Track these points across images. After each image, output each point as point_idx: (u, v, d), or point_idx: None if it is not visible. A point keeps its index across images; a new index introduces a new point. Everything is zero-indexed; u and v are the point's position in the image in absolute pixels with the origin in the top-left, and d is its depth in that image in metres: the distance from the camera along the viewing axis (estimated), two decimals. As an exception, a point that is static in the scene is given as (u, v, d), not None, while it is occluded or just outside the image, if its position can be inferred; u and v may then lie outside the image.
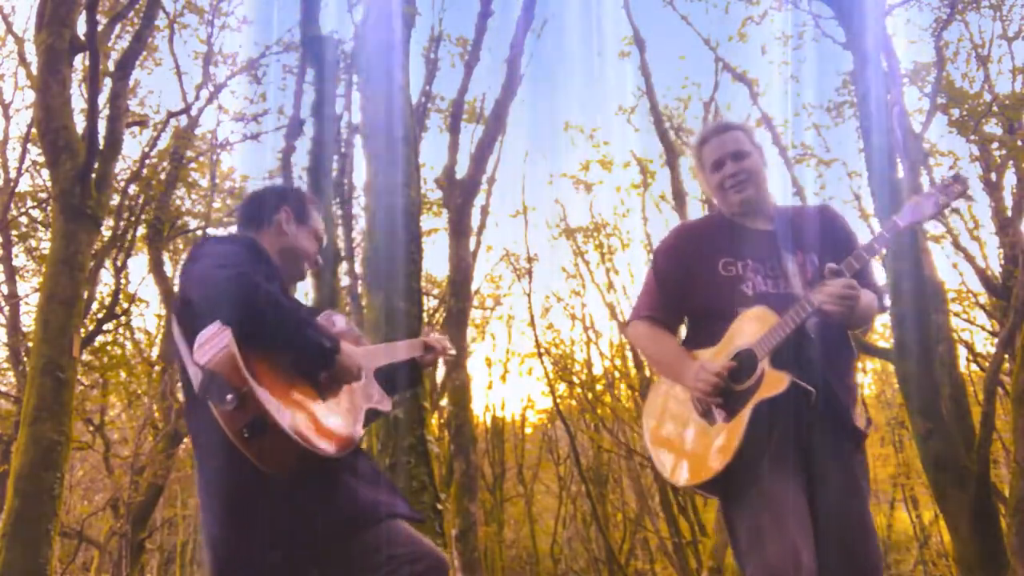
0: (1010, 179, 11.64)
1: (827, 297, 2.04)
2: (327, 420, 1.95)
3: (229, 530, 1.97)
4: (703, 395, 2.17)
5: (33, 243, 12.99)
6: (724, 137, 2.42)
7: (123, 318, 12.76)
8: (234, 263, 1.92)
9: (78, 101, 9.08)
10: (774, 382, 2.06)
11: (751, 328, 2.17)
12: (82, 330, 8.49)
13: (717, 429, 2.15)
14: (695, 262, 2.38)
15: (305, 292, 9.29)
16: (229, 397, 1.75)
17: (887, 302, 2.35)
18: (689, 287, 2.38)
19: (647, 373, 16.36)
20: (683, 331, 2.52)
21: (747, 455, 2.05)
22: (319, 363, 1.98)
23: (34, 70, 9.32)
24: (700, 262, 2.36)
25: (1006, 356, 8.44)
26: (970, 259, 12.02)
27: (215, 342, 1.81)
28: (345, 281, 10.07)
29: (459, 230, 11.12)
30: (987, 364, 8.98)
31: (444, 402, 13.13)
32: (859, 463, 2.20)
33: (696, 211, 13.72)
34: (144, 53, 10.88)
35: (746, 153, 2.39)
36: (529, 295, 16.18)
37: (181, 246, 13.97)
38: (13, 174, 12.31)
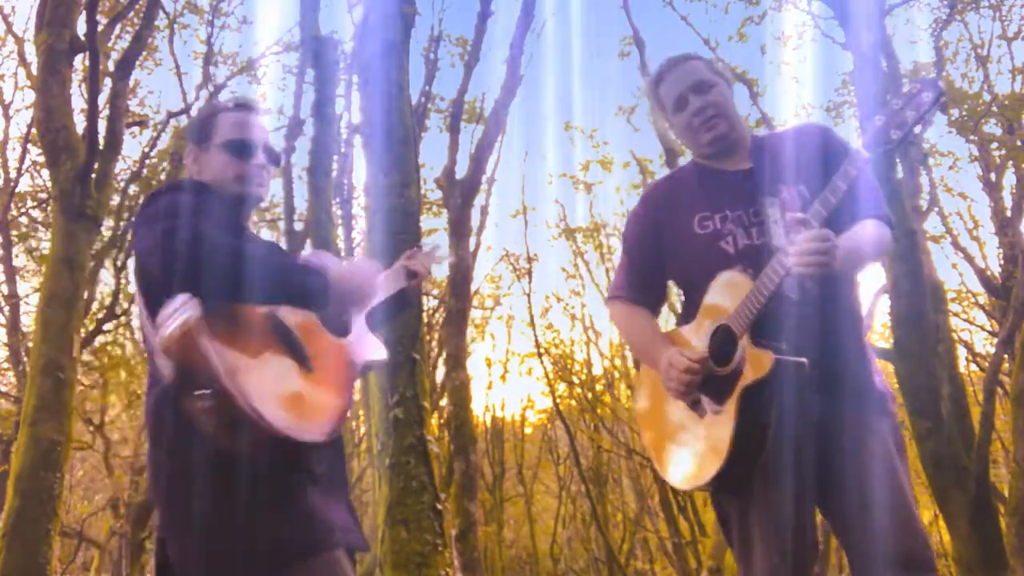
0: (1010, 179, 11.66)
1: (794, 257, 1.72)
2: (315, 393, 1.65)
3: (166, 531, 1.70)
4: (676, 395, 1.94)
5: (33, 243, 13.02)
6: (680, 70, 2.07)
7: (123, 318, 12.76)
8: (184, 218, 1.65)
9: (78, 101, 9.10)
10: (757, 363, 1.79)
11: (726, 298, 1.88)
12: (82, 330, 8.49)
13: (707, 424, 1.89)
14: (667, 225, 2.08)
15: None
16: (203, 392, 1.50)
17: (891, 230, 1.98)
18: (665, 255, 2.09)
19: (647, 373, 16.34)
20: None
21: (742, 451, 1.82)
22: (315, 307, 1.74)
23: (34, 70, 9.33)
24: (673, 224, 2.06)
25: (1005, 356, 8.45)
26: (970, 259, 12.03)
27: (177, 318, 1.51)
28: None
29: (459, 230, 11.11)
30: (987, 364, 8.98)
31: (444, 402, 13.13)
32: (888, 429, 1.90)
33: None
34: (144, 53, 10.88)
35: (710, 83, 2.04)
36: (529, 295, 16.17)
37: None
38: (13, 174, 12.33)
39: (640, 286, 2.15)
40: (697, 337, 1.96)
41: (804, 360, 1.77)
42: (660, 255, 2.10)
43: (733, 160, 2.06)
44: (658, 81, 2.12)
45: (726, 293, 1.89)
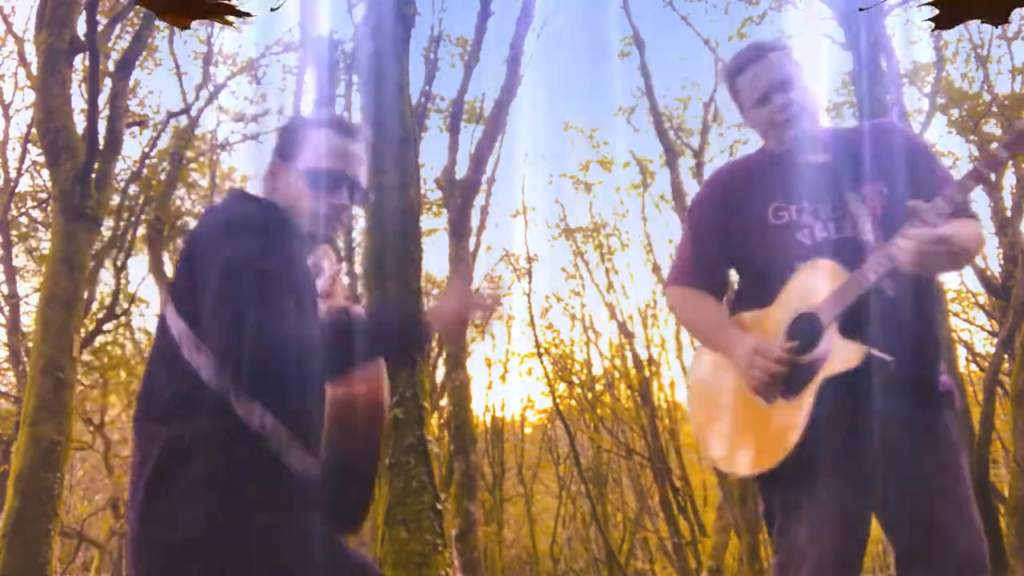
0: (1010, 179, 11.66)
1: (909, 256, 1.68)
2: None
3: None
4: (761, 384, 1.86)
5: (33, 243, 13.04)
6: (763, 65, 2.01)
7: (123, 318, 12.78)
8: (261, 302, 1.41)
9: (78, 101, 9.10)
10: (844, 355, 1.75)
11: (814, 287, 1.84)
12: (82, 330, 8.50)
13: (776, 410, 1.85)
14: (738, 211, 2.02)
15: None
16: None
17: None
18: (733, 241, 2.04)
19: (646, 373, 16.37)
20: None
21: (811, 443, 1.77)
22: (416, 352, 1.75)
23: (34, 70, 9.33)
24: (745, 210, 2.00)
25: (1005, 356, 8.45)
26: (970, 259, 12.02)
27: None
28: (345, 281, 10.09)
29: (459, 230, 11.12)
30: (986, 364, 8.99)
31: (444, 402, 13.14)
32: (953, 428, 1.88)
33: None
34: (144, 53, 10.89)
35: (793, 79, 2.00)
36: (529, 295, 16.21)
37: (181, 246, 14.00)
38: (13, 174, 12.34)
39: (706, 271, 2.09)
40: (770, 323, 1.92)
41: (891, 358, 1.72)
42: (727, 241, 2.05)
43: (809, 152, 2.00)
44: (738, 71, 2.05)
45: (815, 282, 1.85)
